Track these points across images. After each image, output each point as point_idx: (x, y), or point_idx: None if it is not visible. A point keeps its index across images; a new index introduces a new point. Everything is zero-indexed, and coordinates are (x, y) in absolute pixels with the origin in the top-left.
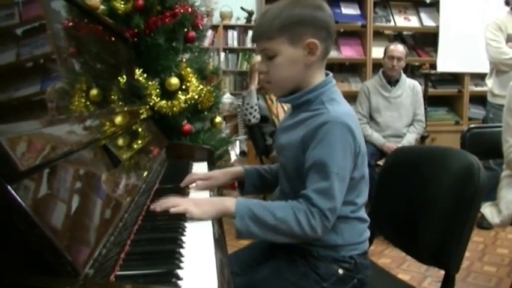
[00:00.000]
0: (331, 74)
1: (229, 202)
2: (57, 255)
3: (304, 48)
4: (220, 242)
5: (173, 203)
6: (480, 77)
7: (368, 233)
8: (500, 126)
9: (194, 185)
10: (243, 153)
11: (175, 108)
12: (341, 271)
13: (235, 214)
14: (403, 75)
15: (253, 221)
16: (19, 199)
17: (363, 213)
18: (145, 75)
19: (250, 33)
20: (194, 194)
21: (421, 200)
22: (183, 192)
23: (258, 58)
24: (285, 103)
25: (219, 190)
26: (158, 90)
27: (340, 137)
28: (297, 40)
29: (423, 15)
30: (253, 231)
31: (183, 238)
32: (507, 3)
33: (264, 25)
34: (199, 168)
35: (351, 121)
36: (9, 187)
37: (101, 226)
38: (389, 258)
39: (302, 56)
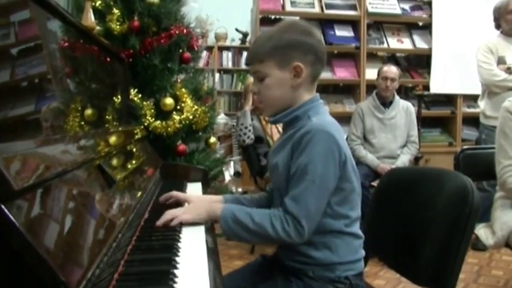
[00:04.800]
0: (318, 95)
1: (216, 205)
2: (50, 275)
3: (290, 71)
4: (214, 263)
5: (170, 217)
6: (473, 99)
7: (363, 252)
8: (493, 148)
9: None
10: (237, 174)
11: (169, 129)
12: None
13: (220, 217)
14: (396, 97)
15: (236, 223)
16: (13, 219)
17: (357, 229)
18: (140, 95)
19: (244, 54)
20: None
21: (415, 221)
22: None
23: (252, 79)
24: (275, 123)
25: None
26: (153, 111)
27: (322, 145)
28: (285, 63)
29: (416, 37)
30: (236, 232)
31: (177, 259)
32: (498, 27)
33: (256, 49)
34: (194, 188)
35: (335, 130)
36: (3, 206)
37: (95, 246)
38: (384, 279)
39: (289, 78)
